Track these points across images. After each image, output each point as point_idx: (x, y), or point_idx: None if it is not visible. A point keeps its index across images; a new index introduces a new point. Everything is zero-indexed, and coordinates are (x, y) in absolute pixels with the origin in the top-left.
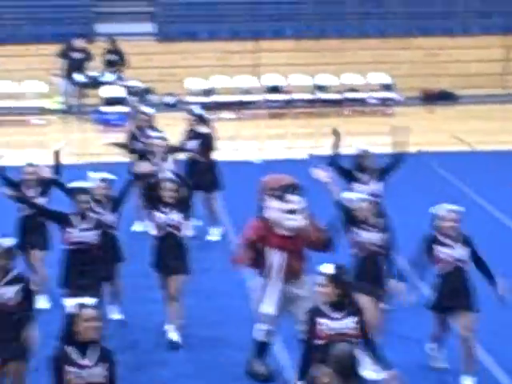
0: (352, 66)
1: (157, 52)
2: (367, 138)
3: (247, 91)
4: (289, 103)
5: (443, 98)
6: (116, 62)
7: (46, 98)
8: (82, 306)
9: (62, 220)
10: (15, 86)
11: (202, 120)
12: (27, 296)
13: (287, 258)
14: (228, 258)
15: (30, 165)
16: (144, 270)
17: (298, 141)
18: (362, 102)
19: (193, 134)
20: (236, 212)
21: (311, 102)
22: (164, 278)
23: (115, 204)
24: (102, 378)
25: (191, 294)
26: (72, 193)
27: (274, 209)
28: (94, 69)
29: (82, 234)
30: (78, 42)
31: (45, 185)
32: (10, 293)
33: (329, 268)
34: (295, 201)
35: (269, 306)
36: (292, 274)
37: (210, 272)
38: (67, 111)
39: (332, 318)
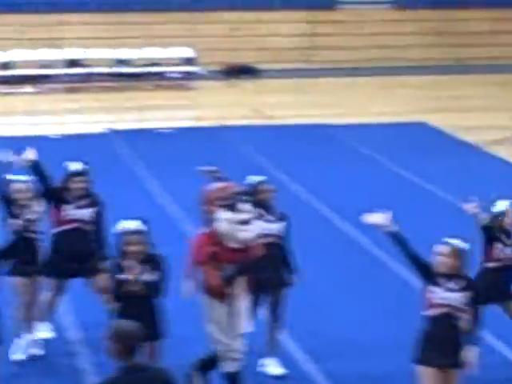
0: (155, 39)
1: None
2: (168, 112)
3: (46, 65)
4: (88, 77)
5: (245, 72)
6: None
7: None
8: None
9: None
10: None
11: None
12: None
13: None
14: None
15: None
16: None
17: (97, 115)
18: (163, 75)
19: None
20: None
21: (111, 76)
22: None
23: None
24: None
25: None
26: None
27: (225, 220)
28: None
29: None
30: None
31: None
32: None
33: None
34: (247, 210)
35: (248, 325)
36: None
37: None
38: None
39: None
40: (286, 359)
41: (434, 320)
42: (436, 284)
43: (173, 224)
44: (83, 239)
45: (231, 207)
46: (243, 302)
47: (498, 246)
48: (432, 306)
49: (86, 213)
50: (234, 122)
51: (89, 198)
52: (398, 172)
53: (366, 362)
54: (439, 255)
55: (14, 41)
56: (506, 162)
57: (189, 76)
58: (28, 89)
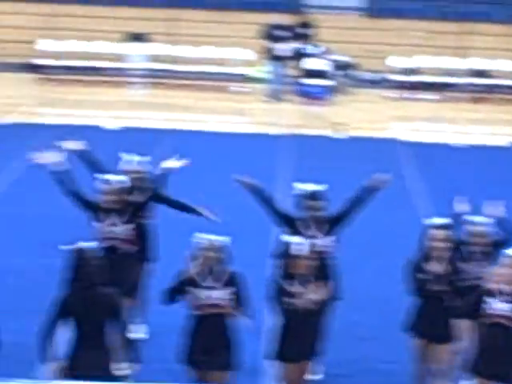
0: None
1: (364, 28)
2: None
3: (451, 73)
4: (493, 88)
5: None
6: (306, 35)
7: (251, 66)
8: None
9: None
10: (219, 51)
11: None
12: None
13: None
14: None
15: None
16: None
17: (500, 127)
18: None
19: None
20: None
21: None
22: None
23: None
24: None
25: None
26: None
27: None
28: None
29: None
30: (280, 19)
31: None
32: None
33: None
34: None
35: None
36: None
37: None
38: (268, 81)
39: None
40: None
41: None
42: None
43: None
44: None
45: None
46: None
47: None
48: None
49: None
50: None
51: None
52: None
53: None
54: None
55: (421, 47)
56: None
57: None
58: (432, 96)
